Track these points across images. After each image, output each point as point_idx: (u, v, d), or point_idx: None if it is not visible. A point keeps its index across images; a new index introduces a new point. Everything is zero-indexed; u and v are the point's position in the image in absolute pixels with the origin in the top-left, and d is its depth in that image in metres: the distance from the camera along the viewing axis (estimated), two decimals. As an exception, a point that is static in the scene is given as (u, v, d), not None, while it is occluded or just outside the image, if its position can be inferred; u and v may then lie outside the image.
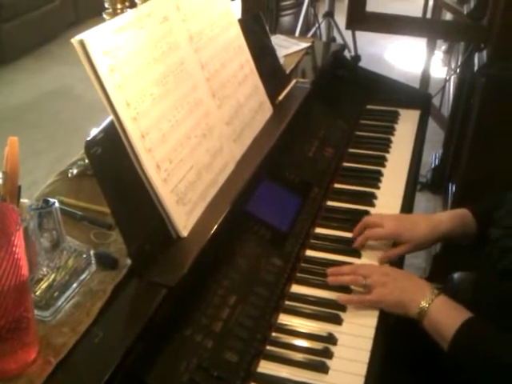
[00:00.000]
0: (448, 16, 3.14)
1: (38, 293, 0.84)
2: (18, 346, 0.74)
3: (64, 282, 0.86)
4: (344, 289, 1.09)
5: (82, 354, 0.79)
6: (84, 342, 0.80)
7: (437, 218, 1.20)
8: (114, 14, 1.06)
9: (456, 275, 1.50)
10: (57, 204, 0.88)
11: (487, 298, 1.10)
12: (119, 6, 1.06)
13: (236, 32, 1.32)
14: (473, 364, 0.94)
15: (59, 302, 0.85)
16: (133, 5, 1.06)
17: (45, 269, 0.87)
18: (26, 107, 3.85)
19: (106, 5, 1.06)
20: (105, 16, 1.07)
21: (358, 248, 1.20)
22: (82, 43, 0.86)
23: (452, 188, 2.40)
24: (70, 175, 1.17)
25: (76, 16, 5.09)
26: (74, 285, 0.88)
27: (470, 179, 2.05)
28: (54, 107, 3.86)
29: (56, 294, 0.84)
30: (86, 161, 1.18)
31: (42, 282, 0.85)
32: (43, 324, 0.82)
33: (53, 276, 0.86)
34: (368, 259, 1.19)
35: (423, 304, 1.00)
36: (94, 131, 1.23)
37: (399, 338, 1.12)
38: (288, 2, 3.47)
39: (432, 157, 2.72)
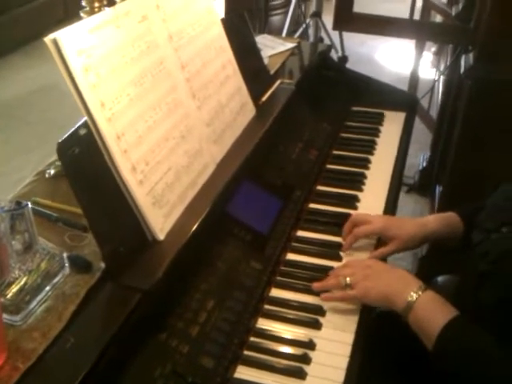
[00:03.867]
0: (438, 18, 3.13)
1: (8, 296, 0.82)
2: (-16, 352, 0.73)
3: (36, 286, 0.85)
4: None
5: (52, 359, 0.77)
6: (55, 347, 0.78)
7: (424, 219, 1.21)
8: (92, 12, 1.05)
9: (440, 278, 1.49)
10: (29, 205, 0.86)
11: (468, 302, 1.09)
12: (97, 4, 1.04)
13: (218, 31, 1.30)
14: (456, 364, 0.93)
15: (30, 306, 0.83)
16: (111, 3, 1.04)
17: (17, 271, 0.85)
18: (14, 104, 3.81)
19: (84, 3, 1.04)
20: (82, 14, 1.05)
21: (346, 249, 1.19)
22: (55, 42, 0.84)
23: (439, 190, 2.39)
24: (47, 176, 1.15)
25: (65, 12, 5.04)
26: (47, 288, 0.86)
27: (457, 181, 2.05)
28: (43, 104, 3.81)
29: (27, 297, 0.83)
30: (64, 161, 1.16)
31: (13, 285, 0.84)
32: (13, 328, 0.81)
33: (24, 279, 0.85)
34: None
35: (410, 298, 0.98)
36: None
37: (381, 332, 1.12)
38: (277, 2, 3.46)
39: (420, 158, 2.72)
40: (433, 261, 2.06)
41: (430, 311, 0.97)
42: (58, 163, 1.17)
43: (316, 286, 1.09)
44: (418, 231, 1.16)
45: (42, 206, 1.05)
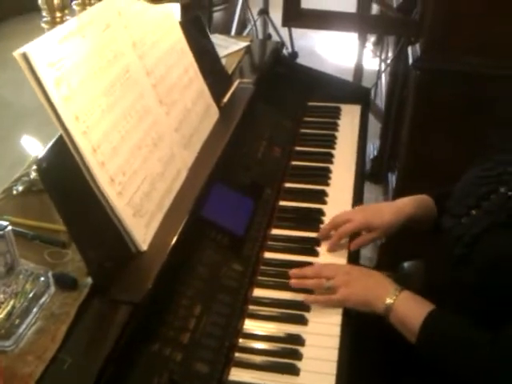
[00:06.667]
0: (375, 9, 3.20)
1: (-4, 322, 0.80)
2: (-19, 383, 0.70)
3: (24, 308, 0.83)
4: (306, 289, 1.10)
5: (51, 382, 0.75)
6: (52, 369, 0.77)
7: (400, 202, 1.24)
8: (53, 22, 1.02)
9: (406, 264, 1.54)
10: (9, 227, 0.84)
11: (441, 285, 1.14)
12: (58, 14, 1.01)
13: (178, 35, 1.29)
14: (440, 352, 0.97)
15: (20, 330, 0.81)
16: (73, 12, 1.01)
17: (1, 295, 0.83)
18: None
19: (44, 13, 1.01)
20: (43, 25, 1.02)
21: (332, 249, 1.21)
22: (25, 56, 0.82)
23: (392, 177, 2.46)
24: (15, 192, 1.11)
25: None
26: (35, 310, 0.84)
27: (409, 168, 2.11)
28: (-21, 116, 3.66)
29: (17, 321, 0.80)
30: (31, 176, 1.13)
31: (0, 310, 0.81)
32: (5, 354, 0.78)
33: (11, 302, 0.82)
34: (326, 256, 1.20)
35: (388, 300, 1.02)
36: (26, 139, 1.18)
37: (364, 327, 1.15)
38: (218, -3, 3.45)
39: (370, 148, 2.78)
40: (393, 247, 2.13)
41: (409, 309, 1.02)
42: (25, 179, 1.13)
43: (294, 282, 1.11)
44: (396, 218, 1.20)
45: (15, 224, 1.01)
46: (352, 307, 1.07)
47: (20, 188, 1.12)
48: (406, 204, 1.22)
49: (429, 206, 1.23)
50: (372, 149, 2.78)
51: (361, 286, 1.07)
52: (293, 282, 1.10)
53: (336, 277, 1.09)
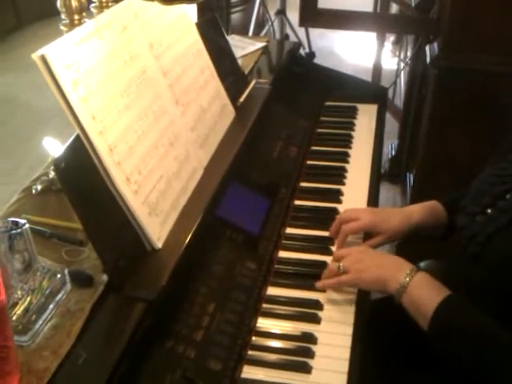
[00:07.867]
0: (394, 8, 3.19)
1: (14, 318, 0.82)
2: (-2, 376, 0.72)
3: (40, 304, 0.84)
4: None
5: (66, 377, 0.77)
6: (67, 364, 0.78)
7: (409, 209, 1.23)
8: (72, 24, 1.04)
9: (423, 264, 1.53)
10: (27, 225, 0.86)
11: (458, 285, 1.13)
12: (76, 16, 1.03)
13: (194, 36, 1.31)
14: (451, 342, 0.95)
15: (37, 326, 0.82)
16: (91, 15, 1.03)
17: (19, 292, 0.85)
18: (-29, 117, 3.71)
19: (63, 16, 1.04)
20: (62, 27, 1.05)
21: (340, 247, 1.21)
22: (43, 58, 0.84)
23: (410, 177, 2.45)
24: (34, 192, 1.14)
25: (18, 20, 4.93)
26: (51, 306, 0.86)
27: (428, 167, 2.10)
28: (0, 117, 3.73)
29: (33, 317, 0.82)
30: (51, 176, 1.16)
31: (17, 307, 0.83)
32: (22, 349, 0.80)
33: (28, 299, 0.84)
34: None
35: (403, 280, 0.99)
36: (47, 140, 1.20)
37: (376, 320, 1.14)
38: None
39: (388, 147, 2.77)
40: (409, 247, 2.12)
41: (424, 291, 0.98)
42: (45, 178, 1.16)
43: (317, 283, 1.11)
44: (404, 225, 1.19)
45: (34, 222, 1.04)
46: (364, 287, 1.06)
47: (39, 187, 1.14)
48: (415, 211, 1.21)
49: (438, 214, 1.22)
50: (390, 148, 2.77)
51: (374, 264, 1.05)
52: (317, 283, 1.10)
53: (349, 256, 1.08)
